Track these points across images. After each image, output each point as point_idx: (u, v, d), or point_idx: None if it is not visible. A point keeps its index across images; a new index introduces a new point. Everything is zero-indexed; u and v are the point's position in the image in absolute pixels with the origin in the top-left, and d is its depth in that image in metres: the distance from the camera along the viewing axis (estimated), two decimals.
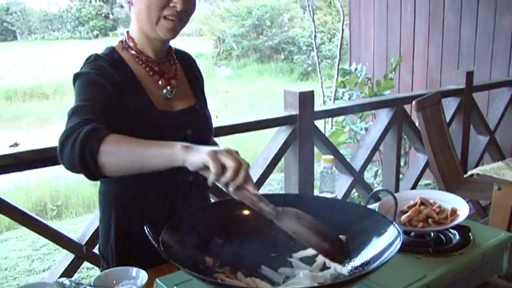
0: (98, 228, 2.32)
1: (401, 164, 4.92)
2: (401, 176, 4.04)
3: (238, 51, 24.93)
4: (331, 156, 1.64)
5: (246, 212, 1.27)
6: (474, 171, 2.58)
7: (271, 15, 24.76)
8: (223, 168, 1.08)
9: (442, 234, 1.45)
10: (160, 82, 1.55)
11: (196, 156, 1.11)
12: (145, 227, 1.07)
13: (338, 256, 1.14)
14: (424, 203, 1.49)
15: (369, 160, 3.51)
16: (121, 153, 1.21)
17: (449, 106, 4.17)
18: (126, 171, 1.26)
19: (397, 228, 1.13)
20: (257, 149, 5.60)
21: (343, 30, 5.71)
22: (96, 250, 2.40)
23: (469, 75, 4.16)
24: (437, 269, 1.25)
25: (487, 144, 4.50)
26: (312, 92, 2.99)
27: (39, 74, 23.27)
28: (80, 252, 2.32)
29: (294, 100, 2.91)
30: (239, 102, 17.15)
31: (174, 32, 1.51)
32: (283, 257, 1.26)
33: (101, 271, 1.57)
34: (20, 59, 25.09)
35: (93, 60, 1.48)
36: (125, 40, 1.57)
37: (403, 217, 1.45)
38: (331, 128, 5.15)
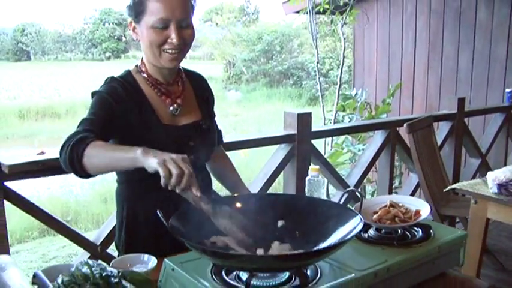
0: (111, 229, 2.60)
1: (397, 183, 5.18)
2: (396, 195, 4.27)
3: (248, 76, 25.27)
4: (317, 167, 1.89)
5: (238, 205, 1.53)
6: (453, 186, 2.83)
7: (281, 40, 25.10)
8: (171, 174, 1.34)
9: (407, 232, 1.69)
10: (167, 101, 1.82)
11: (151, 162, 1.38)
12: (157, 211, 1.33)
13: (255, 251, 1.37)
14: (393, 205, 1.74)
15: (362, 178, 3.75)
16: (98, 157, 1.51)
17: (442, 130, 4.41)
18: (103, 171, 1.57)
19: (360, 217, 1.38)
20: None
21: (344, 57, 5.99)
22: (109, 250, 2.66)
23: (461, 101, 4.41)
24: (398, 256, 1.50)
25: (479, 167, 4.73)
26: (310, 113, 3.25)
27: (52, 94, 23.64)
28: (95, 252, 2.56)
29: (293, 120, 3.18)
30: (248, 125, 17.43)
31: (176, 61, 1.78)
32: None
33: None
34: (33, 79, 25.50)
35: (109, 82, 1.78)
36: (139, 65, 1.85)
37: (374, 216, 1.70)
38: (331, 149, 5.41)
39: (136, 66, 1.86)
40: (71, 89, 24.52)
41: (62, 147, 1.55)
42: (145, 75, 1.82)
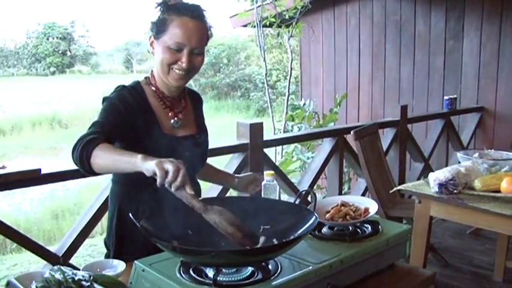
0: (73, 241, 2.66)
1: (346, 189, 5.37)
2: None
3: (196, 89, 25.22)
4: (272, 171, 2.03)
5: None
6: (398, 187, 3.00)
7: (228, 53, 25.23)
8: (167, 173, 1.45)
9: (358, 228, 1.84)
10: (170, 114, 1.97)
11: (149, 165, 1.49)
12: (130, 214, 1.43)
13: (248, 244, 1.49)
14: (344, 204, 1.89)
15: (313, 184, 3.91)
16: (104, 158, 1.63)
17: (387, 136, 4.64)
18: (109, 171, 1.71)
19: (315, 215, 1.52)
20: None
21: (291, 68, 6.17)
22: (72, 261, 2.72)
23: (404, 108, 4.66)
24: (351, 250, 1.64)
25: (423, 170, 4.98)
26: (262, 123, 3.40)
27: None
28: (57, 263, 2.60)
29: (246, 131, 3.32)
30: None
31: (182, 81, 1.93)
32: None
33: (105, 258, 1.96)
34: None
35: (119, 90, 1.90)
36: (149, 77, 1.99)
37: (327, 215, 1.84)
38: (281, 158, 5.56)
39: (146, 78, 1.99)
40: (15, 105, 23.93)
41: (75, 147, 1.66)
42: (154, 88, 1.96)
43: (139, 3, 60.71)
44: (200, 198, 1.57)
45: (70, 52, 36.90)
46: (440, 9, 6.02)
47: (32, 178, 2.45)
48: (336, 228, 1.83)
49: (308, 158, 5.16)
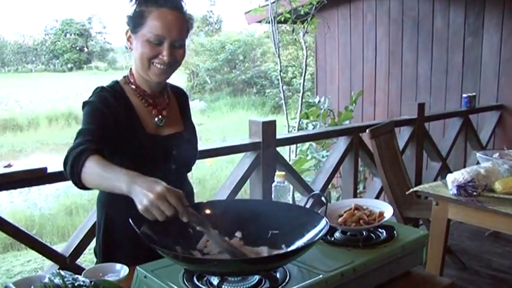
0: (81, 240, 2.60)
1: (361, 188, 5.28)
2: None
3: (211, 85, 25.28)
4: (283, 173, 1.94)
5: (207, 212, 1.58)
6: (415, 188, 2.91)
7: (244, 49, 25.21)
8: (163, 214, 1.36)
9: (372, 233, 1.75)
10: (153, 112, 1.88)
11: (137, 203, 1.39)
12: (129, 219, 1.36)
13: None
14: (357, 208, 1.81)
15: (327, 183, 3.82)
16: (93, 174, 1.55)
17: (403, 135, 4.53)
18: (98, 187, 1.62)
19: (326, 220, 1.44)
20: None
21: (306, 65, 6.08)
22: (79, 261, 2.66)
23: (421, 106, 4.54)
24: (364, 257, 1.56)
25: (440, 170, 4.87)
26: (274, 121, 3.32)
27: (13, 106, 23.25)
28: (64, 263, 2.56)
29: (258, 129, 3.24)
30: (212, 135, 17.44)
31: (164, 76, 1.84)
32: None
33: None
34: None
35: (99, 92, 1.82)
36: (127, 76, 1.91)
37: (340, 219, 1.76)
38: (296, 156, 5.48)
39: (125, 77, 1.91)
40: (32, 101, 24.17)
41: (65, 162, 1.60)
42: (134, 86, 1.88)
43: None
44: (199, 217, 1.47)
45: (87, 48, 37.19)
46: (460, 5, 5.88)
47: (37, 177, 2.39)
48: (348, 233, 1.74)
49: (323, 157, 5.08)
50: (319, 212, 1.62)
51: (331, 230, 1.75)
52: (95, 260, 1.99)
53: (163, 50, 1.75)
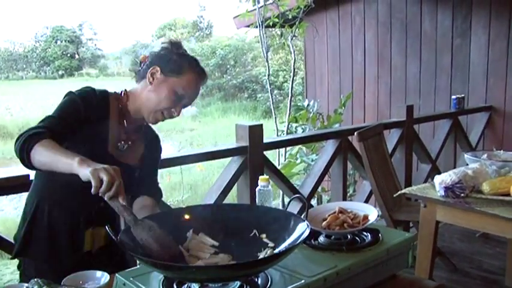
0: None
1: (351, 191, 5.26)
2: None
3: (202, 90, 25.00)
4: (267, 177, 1.92)
5: (186, 217, 1.55)
6: (403, 191, 2.89)
7: (234, 54, 25.20)
8: (101, 183, 1.41)
9: (357, 237, 1.73)
10: (121, 135, 1.89)
11: (84, 171, 1.45)
12: (106, 227, 1.34)
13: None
14: (341, 211, 1.78)
15: (316, 187, 3.80)
16: (44, 154, 1.58)
17: (392, 137, 4.52)
18: (46, 168, 1.62)
19: (306, 223, 1.41)
20: None
21: (294, 69, 6.08)
22: None
23: (410, 108, 4.53)
24: (348, 261, 1.53)
25: (430, 172, 4.85)
26: (261, 125, 3.29)
27: (4, 114, 23.10)
28: None
29: (245, 133, 3.21)
30: (203, 140, 17.39)
31: (157, 123, 1.91)
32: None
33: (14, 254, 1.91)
34: None
35: (88, 90, 1.84)
36: (122, 96, 1.91)
37: (324, 223, 1.73)
38: (285, 161, 5.45)
39: (116, 93, 1.92)
40: (23, 108, 24.02)
41: (18, 137, 1.64)
42: (121, 106, 1.89)
43: (146, 5, 60.83)
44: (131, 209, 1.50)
45: (78, 55, 37.05)
46: (447, 7, 5.89)
47: (19, 184, 2.35)
48: (333, 237, 1.72)
49: (312, 161, 5.05)
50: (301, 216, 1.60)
51: (315, 234, 1.72)
52: None
53: (179, 108, 1.85)
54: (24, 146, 1.60)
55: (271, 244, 1.48)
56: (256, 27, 6.31)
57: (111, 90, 1.94)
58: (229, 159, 3.30)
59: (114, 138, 1.87)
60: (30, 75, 35.16)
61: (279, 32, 7.63)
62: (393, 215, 3.66)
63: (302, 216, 1.51)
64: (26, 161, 1.62)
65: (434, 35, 6.06)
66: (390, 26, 6.48)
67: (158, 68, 1.84)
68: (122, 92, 1.92)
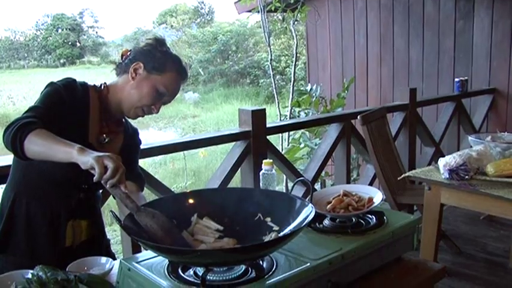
0: None
1: (355, 175, 5.25)
2: None
3: (204, 77, 25.16)
4: (270, 160, 1.91)
5: (191, 201, 1.55)
6: (407, 174, 2.88)
7: (236, 40, 25.08)
8: (105, 170, 1.40)
9: (361, 220, 1.72)
10: (102, 129, 1.87)
11: (87, 158, 1.43)
12: (110, 212, 1.33)
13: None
14: (346, 194, 1.78)
15: (320, 171, 3.79)
16: (40, 143, 1.55)
17: (396, 120, 4.50)
18: (42, 158, 1.58)
19: (311, 206, 1.40)
20: None
21: (296, 53, 6.05)
22: None
23: (413, 91, 4.51)
24: (353, 244, 1.53)
25: (433, 155, 4.84)
26: (264, 110, 3.28)
27: (6, 103, 23.08)
28: None
29: (248, 118, 3.20)
30: (206, 126, 17.38)
31: (137, 118, 1.92)
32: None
33: None
34: None
35: (70, 82, 1.82)
36: (102, 88, 1.89)
37: (328, 206, 1.73)
38: (288, 145, 5.44)
39: (95, 86, 1.90)
40: (25, 97, 24.00)
41: (8, 127, 1.59)
42: (100, 101, 1.87)
43: None
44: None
45: (79, 43, 36.97)
46: None
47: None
48: (337, 220, 1.71)
49: (315, 145, 5.04)
50: (305, 199, 1.59)
51: (320, 217, 1.72)
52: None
53: (158, 104, 1.86)
54: (17, 136, 1.55)
55: (275, 227, 1.48)
56: (258, 12, 6.27)
57: (90, 83, 1.92)
58: (232, 144, 3.29)
59: (95, 131, 1.85)
60: (31, 64, 35.11)
61: (280, 17, 7.59)
62: (397, 198, 3.65)
63: (307, 200, 1.51)
64: (20, 152, 1.57)
65: (437, 17, 6.01)
66: (392, 8, 6.43)
67: (141, 64, 1.82)
68: (101, 85, 1.89)
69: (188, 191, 1.63)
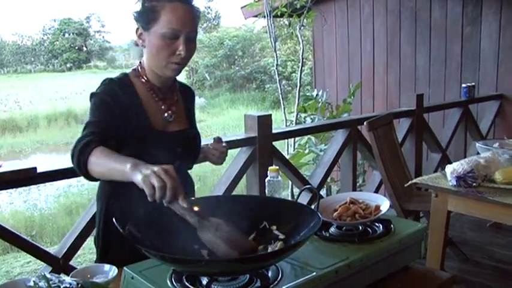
0: (73, 241, 2.56)
1: (361, 181, 5.22)
2: None
3: (211, 82, 25.19)
4: (276, 167, 1.89)
5: (196, 208, 1.52)
6: (414, 180, 2.86)
7: (242, 45, 25.12)
8: (154, 189, 1.32)
9: (368, 228, 1.70)
10: (163, 107, 1.85)
11: (136, 178, 1.37)
12: (113, 219, 1.31)
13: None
14: (353, 202, 1.75)
15: (326, 177, 3.77)
16: (99, 165, 1.55)
17: (402, 126, 4.47)
18: (106, 178, 1.58)
19: (318, 215, 1.38)
20: None
21: (303, 59, 6.05)
22: (72, 262, 2.62)
23: (419, 97, 4.48)
24: (360, 253, 1.50)
25: (440, 161, 4.81)
26: (270, 115, 3.27)
27: (12, 107, 23.18)
28: (57, 265, 2.51)
29: (254, 123, 3.18)
30: (212, 131, 17.38)
31: (179, 72, 1.83)
32: None
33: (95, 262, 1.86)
34: None
35: (107, 83, 1.79)
36: (138, 69, 1.86)
37: (335, 214, 1.70)
38: (294, 151, 5.42)
39: (134, 69, 1.87)
40: (32, 102, 24.11)
41: (73, 153, 1.61)
42: (144, 80, 1.84)
43: None
44: (195, 209, 1.42)
45: (86, 47, 37.15)
46: None
47: (27, 177, 2.34)
48: (344, 228, 1.69)
49: (321, 151, 5.02)
50: (311, 207, 1.57)
51: (326, 225, 1.70)
52: (94, 258, 1.94)
53: (180, 44, 1.72)
54: (80, 161, 1.56)
55: (281, 236, 1.46)
56: (264, 17, 6.27)
57: (128, 70, 1.90)
58: (238, 149, 3.28)
59: (156, 114, 1.82)
60: (38, 68, 35.29)
61: (286, 22, 7.58)
62: (403, 204, 3.63)
63: (313, 207, 1.49)
64: (88, 177, 1.59)
65: (444, 23, 5.98)
66: (399, 14, 6.41)
67: (140, 27, 1.77)
68: (137, 67, 1.86)
69: (192, 198, 1.61)
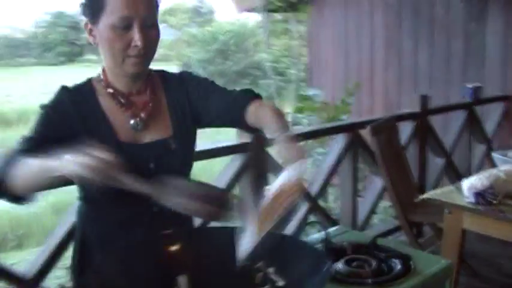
0: (47, 258, 2.31)
1: (361, 187, 4.95)
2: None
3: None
4: None
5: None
6: (425, 195, 2.61)
7: (236, 40, 24.97)
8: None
9: (383, 263, 1.44)
10: (126, 114, 1.54)
11: (67, 167, 1.21)
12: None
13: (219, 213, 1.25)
14: None
15: (325, 186, 3.52)
16: (22, 173, 1.33)
17: (405, 130, 4.19)
18: (33, 186, 1.37)
19: (328, 262, 1.11)
20: None
21: (297, 55, 5.77)
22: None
23: (424, 99, 4.21)
24: None
25: (444, 167, 4.55)
26: None
27: (3, 101, 22.95)
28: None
29: None
30: (204, 131, 17.16)
31: (141, 65, 1.51)
32: None
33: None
34: None
35: (57, 95, 1.54)
36: (100, 73, 1.58)
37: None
38: None
39: (98, 75, 1.59)
40: (23, 96, 23.85)
41: None
42: (103, 84, 1.55)
43: None
44: None
45: (79, 41, 36.86)
46: None
47: None
48: (354, 264, 1.42)
49: (318, 154, 4.77)
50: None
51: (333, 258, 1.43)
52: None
53: (134, 34, 1.44)
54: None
55: (280, 283, 1.18)
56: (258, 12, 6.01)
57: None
58: (229, 157, 3.01)
59: (122, 123, 1.53)
60: (31, 61, 35.02)
61: (281, 17, 7.36)
62: (408, 215, 3.38)
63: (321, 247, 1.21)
64: (8, 195, 1.39)
65: (447, 19, 5.72)
66: (400, 9, 6.15)
67: (87, 22, 1.50)
68: (100, 72, 1.58)
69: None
